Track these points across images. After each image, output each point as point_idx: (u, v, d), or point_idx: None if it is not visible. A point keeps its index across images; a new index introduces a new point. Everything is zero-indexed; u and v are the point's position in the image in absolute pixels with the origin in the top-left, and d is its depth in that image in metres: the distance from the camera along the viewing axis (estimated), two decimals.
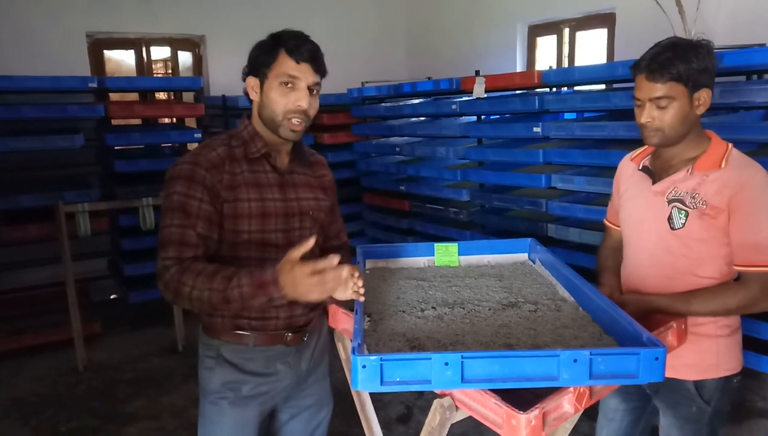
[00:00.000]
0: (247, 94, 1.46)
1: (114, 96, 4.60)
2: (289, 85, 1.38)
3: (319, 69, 1.42)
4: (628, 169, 1.67)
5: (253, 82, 1.43)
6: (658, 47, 1.41)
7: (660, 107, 1.41)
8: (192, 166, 1.38)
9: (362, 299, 1.33)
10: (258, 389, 1.49)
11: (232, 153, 1.43)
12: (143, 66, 5.12)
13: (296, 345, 1.53)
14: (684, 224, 1.46)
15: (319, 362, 1.65)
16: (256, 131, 1.46)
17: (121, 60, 5.29)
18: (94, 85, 3.70)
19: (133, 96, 4.88)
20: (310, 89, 1.40)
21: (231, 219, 1.40)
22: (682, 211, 1.46)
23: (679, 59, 1.36)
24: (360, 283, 1.32)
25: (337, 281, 1.26)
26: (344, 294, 1.33)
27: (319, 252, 1.55)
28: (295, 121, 1.39)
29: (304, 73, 1.38)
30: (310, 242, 1.28)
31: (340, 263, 1.51)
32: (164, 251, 1.34)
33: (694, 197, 1.44)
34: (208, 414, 1.49)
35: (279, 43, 1.38)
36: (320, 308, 1.61)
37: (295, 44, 1.37)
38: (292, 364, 1.53)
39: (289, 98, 1.38)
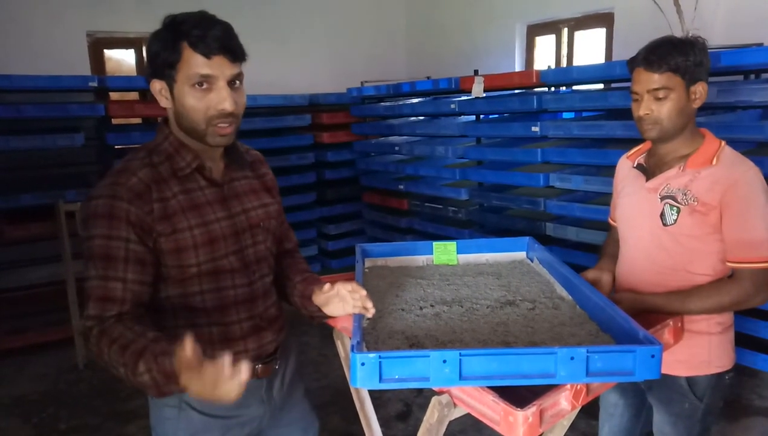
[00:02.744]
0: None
1: (114, 95, 4.60)
2: (204, 86, 1.14)
3: (237, 57, 1.16)
4: (625, 167, 1.69)
5: (159, 86, 1.17)
6: (654, 42, 1.45)
7: (658, 99, 1.43)
8: (110, 201, 1.13)
9: (370, 314, 1.27)
10: (230, 433, 1.32)
11: (156, 174, 1.19)
12: (143, 65, 5.11)
13: (267, 376, 1.37)
14: (676, 220, 1.48)
15: (293, 388, 1.49)
16: (181, 142, 1.22)
17: (122, 59, 5.28)
18: (95, 84, 3.71)
19: (134, 95, 4.88)
20: (229, 83, 1.16)
21: (173, 254, 1.18)
22: (674, 208, 1.48)
23: (676, 51, 1.40)
24: (369, 304, 1.26)
25: (218, 381, 0.96)
26: (343, 309, 1.30)
27: (274, 260, 1.43)
28: (222, 125, 1.17)
29: (220, 68, 1.13)
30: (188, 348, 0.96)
31: (294, 267, 1.45)
32: (87, 308, 1.13)
33: (685, 194, 1.47)
34: None
35: (179, 35, 1.12)
36: (287, 329, 1.45)
37: (199, 34, 1.11)
38: (265, 398, 1.37)
39: (208, 102, 1.15)
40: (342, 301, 1.29)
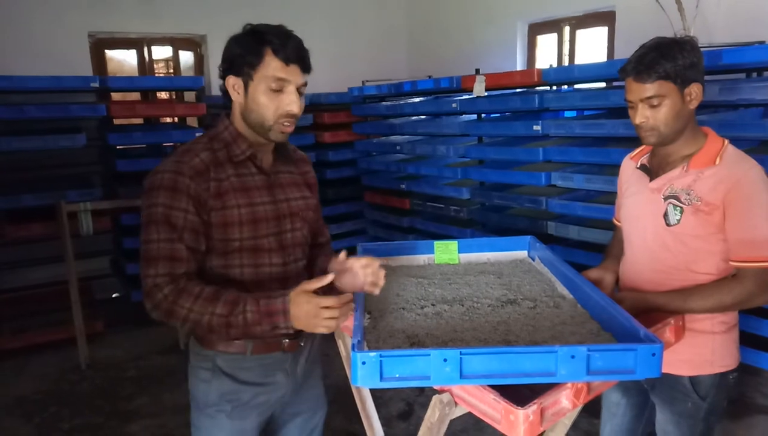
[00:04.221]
0: (224, 93, 1.38)
1: (116, 96, 4.62)
2: (278, 88, 1.31)
3: (306, 68, 1.35)
4: (629, 167, 1.69)
5: (234, 81, 1.34)
6: (642, 49, 1.43)
7: (652, 106, 1.42)
8: (175, 175, 1.30)
9: (377, 291, 1.40)
10: (256, 399, 1.44)
11: (215, 158, 1.36)
12: (145, 66, 5.12)
13: (293, 352, 1.48)
14: (679, 220, 1.47)
15: (313, 367, 1.61)
16: (239, 132, 1.39)
17: (123, 60, 5.30)
18: (96, 84, 3.72)
19: (135, 96, 4.90)
20: (298, 89, 1.34)
21: (221, 228, 1.34)
22: (677, 208, 1.48)
23: (664, 58, 1.39)
24: (381, 273, 1.40)
25: (347, 315, 1.25)
26: (353, 284, 1.42)
27: (309, 250, 1.57)
28: (285, 123, 1.34)
29: (294, 75, 1.31)
30: (328, 278, 1.28)
31: (322, 256, 1.60)
32: (153, 268, 1.28)
33: (689, 194, 1.46)
34: (205, 427, 1.44)
35: (263, 42, 1.30)
36: None
37: (281, 43, 1.29)
38: (290, 371, 1.48)
39: (279, 102, 1.32)
40: (353, 276, 1.42)
